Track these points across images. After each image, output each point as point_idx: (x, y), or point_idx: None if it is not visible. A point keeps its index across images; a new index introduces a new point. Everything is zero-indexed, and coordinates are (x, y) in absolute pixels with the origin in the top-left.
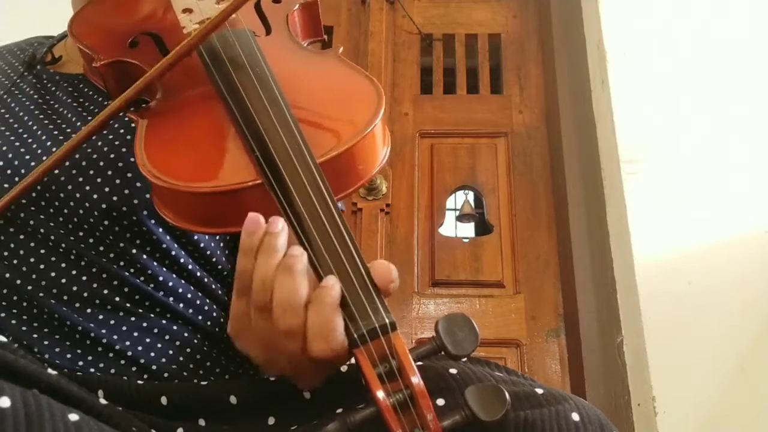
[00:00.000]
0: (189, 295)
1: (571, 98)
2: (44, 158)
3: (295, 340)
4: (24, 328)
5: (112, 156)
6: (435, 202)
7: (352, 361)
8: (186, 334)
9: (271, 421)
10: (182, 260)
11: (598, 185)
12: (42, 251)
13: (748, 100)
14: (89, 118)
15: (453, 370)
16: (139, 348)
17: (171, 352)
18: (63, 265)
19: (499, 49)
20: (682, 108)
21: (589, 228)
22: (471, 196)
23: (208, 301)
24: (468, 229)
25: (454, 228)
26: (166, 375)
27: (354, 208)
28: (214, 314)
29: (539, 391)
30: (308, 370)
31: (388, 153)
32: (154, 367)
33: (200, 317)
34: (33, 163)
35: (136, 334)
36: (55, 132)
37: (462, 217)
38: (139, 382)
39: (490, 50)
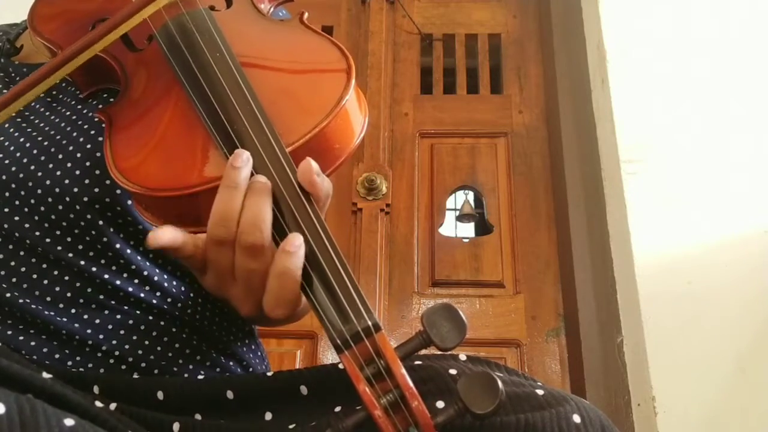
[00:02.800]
0: (174, 290)
1: (571, 98)
2: (24, 160)
3: (255, 258)
4: (9, 333)
5: (88, 146)
6: (435, 202)
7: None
8: (174, 329)
9: (268, 416)
10: None
11: (598, 185)
12: (21, 253)
13: (748, 100)
14: (61, 108)
15: (453, 371)
16: (127, 346)
17: (159, 348)
18: (44, 266)
19: (499, 49)
20: (682, 108)
21: (589, 228)
22: (471, 196)
23: (192, 295)
24: (468, 229)
25: (454, 228)
26: (156, 371)
27: (354, 208)
28: (200, 307)
29: (540, 392)
30: (257, 291)
31: (367, 123)
32: (143, 365)
33: (187, 311)
34: (6, 161)
35: (122, 332)
36: (29, 129)
37: (462, 217)
38: (135, 376)
39: (490, 50)
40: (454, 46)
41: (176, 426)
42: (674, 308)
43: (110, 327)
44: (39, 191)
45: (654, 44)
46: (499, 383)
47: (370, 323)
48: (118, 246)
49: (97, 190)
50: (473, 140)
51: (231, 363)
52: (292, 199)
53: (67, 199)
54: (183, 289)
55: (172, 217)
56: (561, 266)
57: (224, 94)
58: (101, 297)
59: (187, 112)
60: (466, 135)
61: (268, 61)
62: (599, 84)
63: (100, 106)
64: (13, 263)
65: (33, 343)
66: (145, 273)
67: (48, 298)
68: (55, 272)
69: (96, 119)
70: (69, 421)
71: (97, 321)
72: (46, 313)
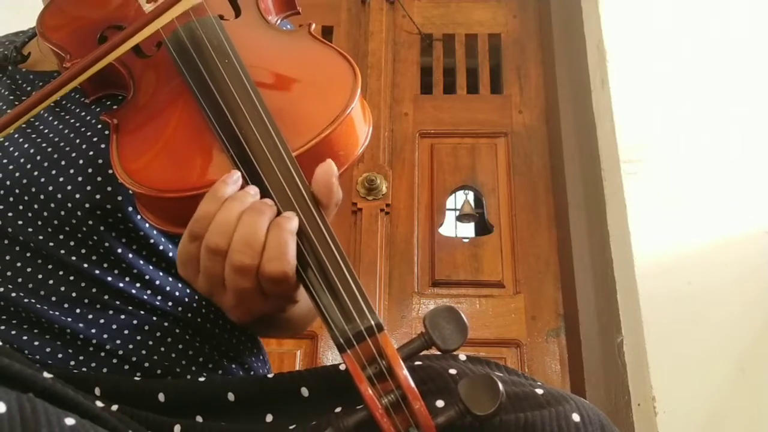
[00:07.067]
0: (177, 293)
1: (571, 98)
2: (28, 166)
3: (245, 278)
4: (13, 332)
5: (91, 153)
6: (435, 202)
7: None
8: (177, 330)
9: (269, 418)
10: (171, 254)
11: (598, 185)
12: (27, 255)
13: (748, 100)
14: (65, 116)
15: (453, 371)
16: (130, 346)
17: (163, 349)
18: (49, 266)
19: (499, 49)
20: (682, 108)
21: (589, 228)
22: (471, 196)
23: (196, 297)
24: (468, 229)
25: (454, 228)
26: (159, 372)
27: (354, 208)
28: (203, 309)
29: (539, 391)
30: (249, 302)
31: (371, 133)
32: (146, 365)
33: (189, 314)
34: (11, 167)
35: (126, 332)
36: (33, 135)
37: (462, 217)
38: (136, 378)
39: (490, 50)
40: (454, 46)
41: (177, 428)
42: (674, 308)
43: (114, 327)
44: (42, 197)
45: (654, 44)
46: (500, 385)
47: (372, 323)
48: (119, 251)
49: (98, 196)
50: (473, 140)
51: (233, 366)
52: (298, 202)
53: (69, 205)
54: (187, 292)
55: (175, 220)
56: (561, 266)
57: (232, 99)
58: (106, 297)
59: (194, 116)
60: (466, 135)
61: (276, 68)
62: (599, 84)
63: (102, 110)
64: (19, 264)
65: (36, 343)
66: (147, 277)
67: (53, 298)
68: (60, 272)
69: (100, 126)
70: (69, 421)
71: (101, 321)
72: (51, 312)
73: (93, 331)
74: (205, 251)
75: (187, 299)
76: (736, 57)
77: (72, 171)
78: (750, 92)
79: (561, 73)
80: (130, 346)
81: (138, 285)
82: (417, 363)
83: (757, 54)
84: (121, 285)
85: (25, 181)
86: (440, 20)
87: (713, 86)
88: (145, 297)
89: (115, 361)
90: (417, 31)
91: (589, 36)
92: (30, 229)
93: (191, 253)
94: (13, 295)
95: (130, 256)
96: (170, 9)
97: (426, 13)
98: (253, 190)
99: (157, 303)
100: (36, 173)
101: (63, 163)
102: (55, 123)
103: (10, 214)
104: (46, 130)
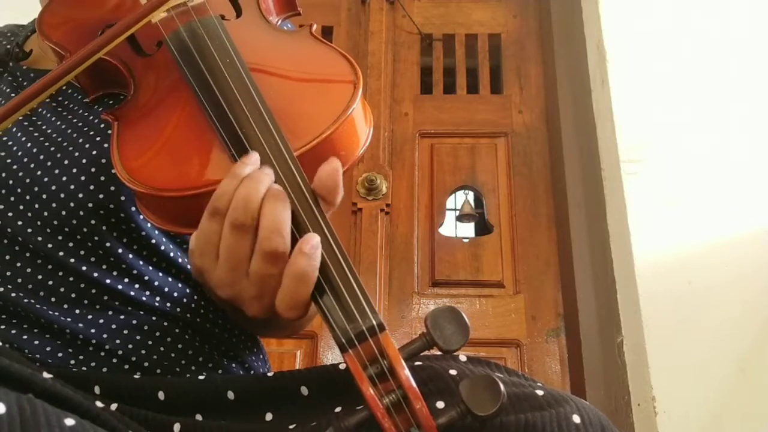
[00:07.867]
0: (176, 293)
1: (571, 98)
2: (31, 165)
3: (276, 265)
4: (13, 332)
5: (94, 152)
6: (435, 202)
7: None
8: (177, 330)
9: (269, 417)
10: (172, 254)
11: (598, 185)
12: (27, 255)
13: (748, 100)
14: (67, 115)
15: (453, 371)
16: (130, 346)
17: (162, 348)
18: (49, 267)
19: (499, 49)
20: (682, 108)
21: (589, 228)
22: (471, 196)
23: (195, 297)
24: (468, 229)
25: (454, 228)
26: (158, 371)
27: (354, 208)
28: (203, 309)
29: (540, 392)
30: (271, 293)
31: (371, 134)
32: (146, 365)
33: (188, 314)
34: (14, 166)
35: (126, 332)
36: (36, 133)
37: (462, 217)
38: (136, 377)
39: (490, 50)
40: (454, 46)
41: (177, 426)
42: (674, 308)
43: (114, 327)
44: (44, 196)
45: (654, 44)
46: (501, 386)
47: (374, 323)
48: (120, 251)
49: (101, 196)
50: (473, 140)
51: (233, 365)
52: (299, 201)
53: (72, 204)
54: (187, 292)
55: (176, 219)
56: (561, 266)
57: (234, 98)
58: (105, 298)
59: (195, 115)
60: (466, 135)
61: (278, 68)
62: (599, 84)
63: (102, 108)
64: (19, 264)
65: (36, 342)
66: (146, 278)
67: (52, 299)
68: (60, 273)
69: (103, 125)
70: (69, 421)
71: (101, 321)
72: (50, 313)
73: (92, 331)
74: (228, 228)
75: (186, 299)
76: (736, 57)
77: (75, 170)
78: (750, 92)
79: (561, 73)
80: (130, 346)
81: (137, 286)
82: (417, 363)
83: (757, 54)
84: (120, 286)
85: (28, 180)
86: (440, 20)
87: (713, 86)
88: (144, 298)
89: (114, 360)
90: (417, 31)
91: (589, 36)
92: (29, 230)
93: (211, 231)
94: (13, 295)
95: (130, 256)
96: (164, 4)
97: (426, 13)
98: (268, 169)
99: (156, 303)
100: (39, 172)
101: (66, 162)
102: (58, 122)
103: (10, 214)
104: (48, 130)
